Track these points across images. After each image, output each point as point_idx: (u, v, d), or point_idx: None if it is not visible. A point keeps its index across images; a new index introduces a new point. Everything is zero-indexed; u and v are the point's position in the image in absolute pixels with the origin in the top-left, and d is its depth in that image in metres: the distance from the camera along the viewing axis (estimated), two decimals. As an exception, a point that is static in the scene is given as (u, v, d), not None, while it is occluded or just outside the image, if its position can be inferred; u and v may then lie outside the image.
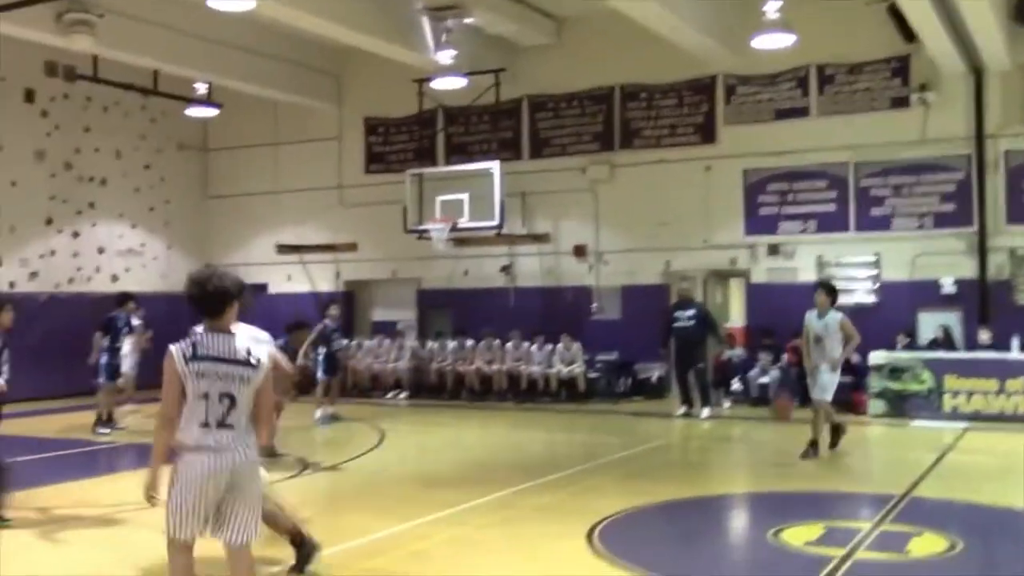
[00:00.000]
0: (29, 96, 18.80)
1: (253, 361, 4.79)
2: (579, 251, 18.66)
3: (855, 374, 15.38)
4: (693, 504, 8.89)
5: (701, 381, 15.49)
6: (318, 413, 14.73)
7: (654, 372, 17.63)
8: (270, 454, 10.54)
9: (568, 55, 18.62)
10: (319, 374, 15.16)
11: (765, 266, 17.32)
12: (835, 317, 10.94)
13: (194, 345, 4.80)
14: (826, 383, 10.92)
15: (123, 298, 14.56)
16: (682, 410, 15.29)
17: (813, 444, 10.98)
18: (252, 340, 4.99)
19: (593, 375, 17.52)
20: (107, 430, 13.70)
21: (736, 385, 16.60)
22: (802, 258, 17.04)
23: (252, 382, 4.76)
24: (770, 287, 17.26)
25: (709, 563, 6.98)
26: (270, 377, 4.83)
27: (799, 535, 7.36)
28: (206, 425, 4.69)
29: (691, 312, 15.44)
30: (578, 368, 17.27)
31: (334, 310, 15.69)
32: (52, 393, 17.02)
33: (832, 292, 11.20)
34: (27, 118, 18.79)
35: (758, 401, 16.05)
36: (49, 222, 19.26)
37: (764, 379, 16.21)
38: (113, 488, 9.79)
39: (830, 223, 16.86)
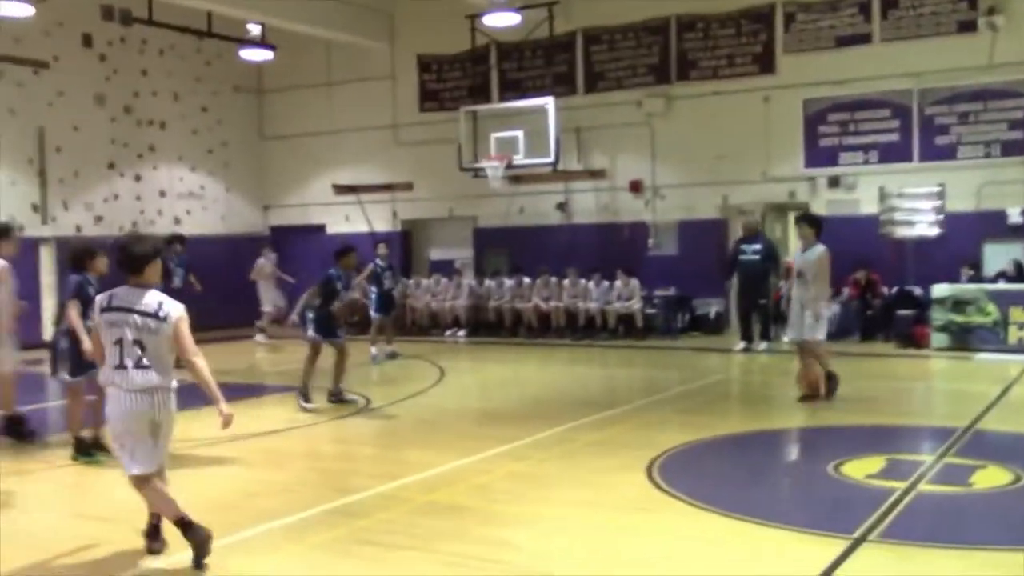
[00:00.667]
0: (87, 41, 19.00)
1: (161, 314, 5.37)
2: (635, 186, 18.50)
3: (917, 307, 15.17)
4: (752, 438, 8.89)
5: (763, 316, 15.38)
6: (373, 351, 14.93)
7: (712, 307, 17.53)
8: (338, 398, 10.77)
9: (623, -14, 18.28)
10: (372, 312, 15.32)
11: (825, 198, 17.02)
12: (816, 251, 10.15)
13: (110, 297, 5.45)
14: (811, 322, 10.14)
15: (172, 239, 14.86)
16: (741, 345, 15.21)
17: (816, 391, 10.35)
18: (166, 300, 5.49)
19: (651, 311, 17.47)
20: None
21: (795, 319, 16.42)
22: (864, 190, 16.71)
23: (160, 332, 5.34)
24: (831, 220, 16.86)
25: (770, 496, 6.99)
26: (181, 330, 5.40)
27: (860, 468, 7.33)
28: (121, 367, 5.32)
29: (757, 246, 15.24)
30: (636, 304, 17.22)
31: (383, 249, 15.68)
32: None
33: (814, 224, 10.39)
34: (86, 63, 19.03)
35: (818, 335, 15.89)
36: (111, 166, 19.59)
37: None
38: (178, 424, 10.01)
39: (893, 153, 16.48)
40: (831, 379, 10.37)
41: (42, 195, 18.43)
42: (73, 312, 8.01)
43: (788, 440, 9.32)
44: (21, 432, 9.29)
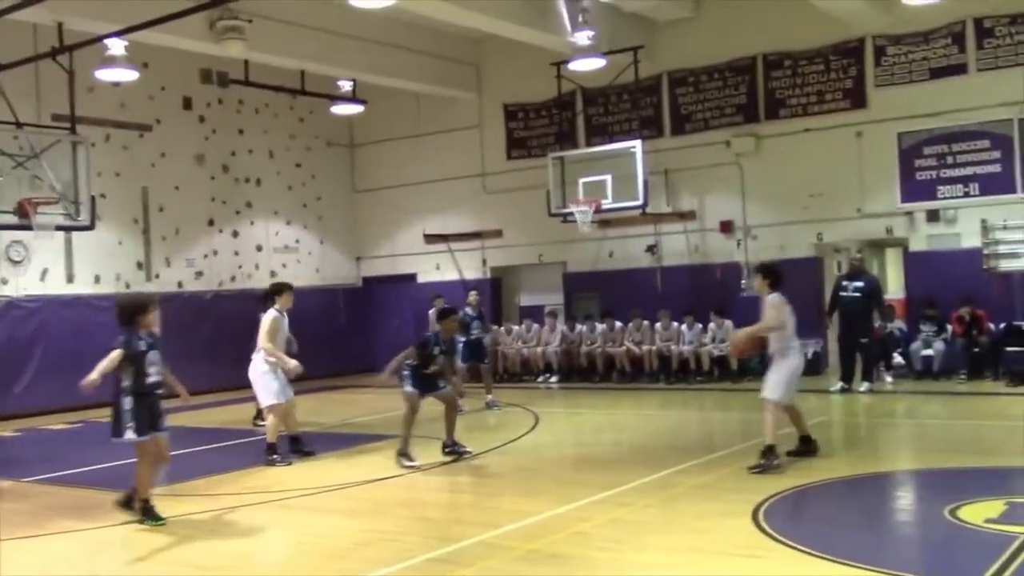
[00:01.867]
0: (187, 103, 19.74)
1: None
2: (726, 227, 18.32)
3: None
4: (861, 481, 8.63)
5: (864, 355, 15.00)
6: (459, 401, 14.76)
7: (809, 347, 17.13)
8: (452, 450, 10.57)
9: (707, 27, 18.28)
10: (459, 362, 15.28)
11: (924, 233, 16.60)
12: (769, 300, 9.31)
13: None
14: (768, 377, 9.36)
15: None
16: (839, 385, 14.84)
17: (804, 440, 9.55)
18: None
19: (746, 353, 17.13)
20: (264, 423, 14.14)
21: (898, 359, 16.01)
22: (965, 223, 16.24)
23: None
24: (931, 255, 16.54)
25: (884, 542, 6.75)
26: None
27: (978, 512, 7.04)
28: None
29: (859, 283, 14.92)
30: (729, 347, 16.93)
31: (473, 297, 15.73)
32: (222, 385, 17.84)
33: (769, 274, 9.44)
34: (186, 125, 19.74)
35: (922, 375, 15.45)
36: (211, 223, 20.21)
37: (927, 352, 15.58)
38: (274, 475, 10.18)
39: (994, 185, 15.99)
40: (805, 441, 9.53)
41: (146, 253, 19.08)
42: (106, 360, 7.75)
43: (900, 483, 9.00)
44: (301, 449, 10.80)
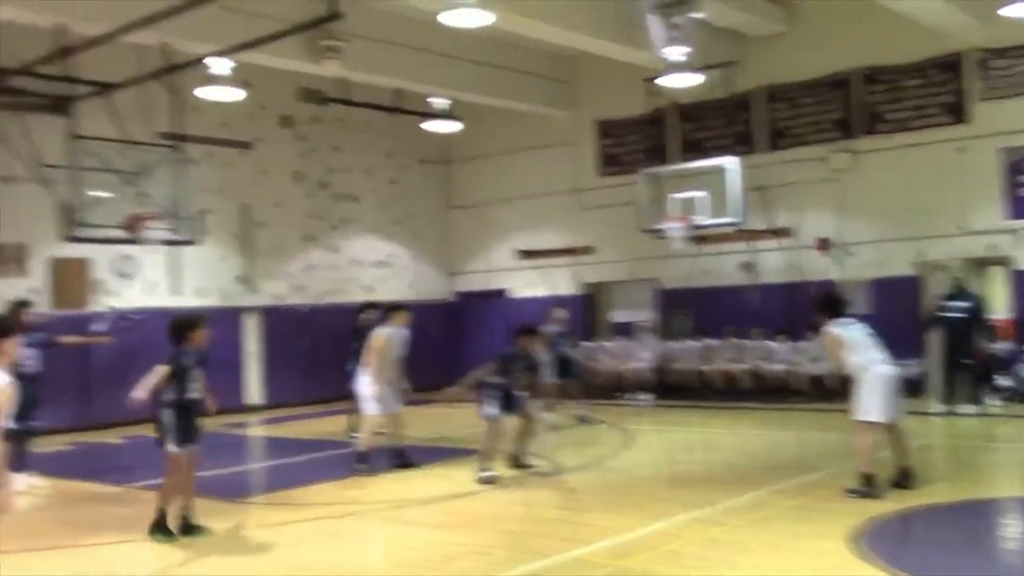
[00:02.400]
0: (286, 122, 20.26)
1: None
2: (823, 244, 17.98)
3: None
4: (964, 507, 8.37)
5: (968, 377, 14.54)
6: (551, 416, 14.81)
7: (910, 368, 16.67)
8: (517, 464, 10.71)
9: (802, 41, 18.01)
10: (550, 378, 15.31)
11: (1032, 250, 16.03)
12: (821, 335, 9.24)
13: None
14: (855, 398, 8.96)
15: (365, 307, 15.31)
16: (941, 408, 14.40)
17: (902, 472, 8.94)
18: None
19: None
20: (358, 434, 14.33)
21: (1003, 381, 15.46)
22: (1076, 240, 15.65)
23: None
24: (1039, 273, 15.96)
25: (988, 569, 6.54)
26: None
27: (1089, 541, 6.77)
28: None
29: (963, 303, 14.49)
30: (826, 366, 16.60)
31: (559, 313, 15.65)
32: (320, 397, 18.20)
33: (819, 307, 9.42)
34: (286, 142, 20.26)
35: (1029, 397, 14.92)
36: (309, 238, 20.67)
37: (1035, 374, 15.03)
38: (367, 487, 10.33)
39: (1108, 201, 15.39)
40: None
41: (246, 268, 19.62)
42: (153, 376, 7.93)
43: (1005, 510, 8.69)
44: (404, 462, 11.08)
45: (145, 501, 8.41)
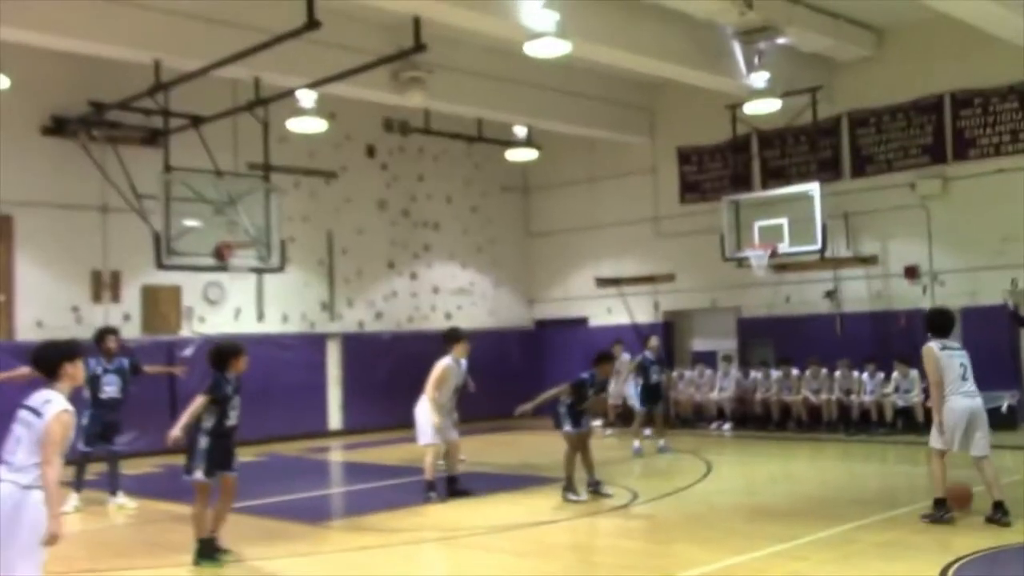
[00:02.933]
0: (370, 151, 20.62)
1: (40, 410, 5.20)
2: (911, 272, 17.56)
3: None
4: (1061, 546, 8.03)
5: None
6: (636, 444, 14.84)
7: (1004, 400, 16.14)
8: (596, 489, 10.78)
9: (889, 66, 17.70)
10: (637, 405, 15.34)
11: None
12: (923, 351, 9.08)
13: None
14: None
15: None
16: (1039, 441, 13.89)
17: (996, 506, 8.75)
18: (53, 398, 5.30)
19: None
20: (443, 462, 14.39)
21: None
22: None
23: (33, 427, 5.15)
24: None
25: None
26: (53, 428, 5.15)
27: None
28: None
29: None
30: (916, 397, 16.17)
31: (654, 342, 15.82)
32: (400, 423, 18.31)
33: (927, 321, 9.45)
34: (369, 171, 20.61)
35: None
36: (391, 265, 20.95)
37: None
38: (446, 513, 10.36)
39: None
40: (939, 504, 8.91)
41: (330, 294, 19.94)
42: (195, 404, 8.06)
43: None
44: (458, 490, 11.06)
45: (230, 521, 8.55)
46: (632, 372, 16.06)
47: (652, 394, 15.32)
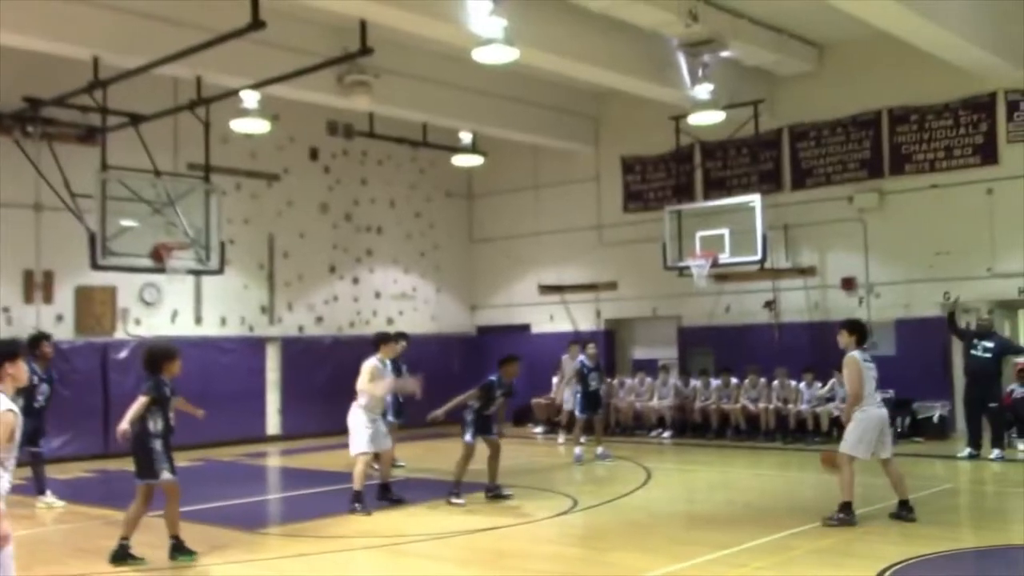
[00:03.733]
0: (314, 154, 20.44)
1: None
2: (848, 284, 17.89)
3: None
4: (990, 554, 8.22)
5: (994, 420, 14.35)
6: (577, 451, 14.89)
7: (935, 411, 16.51)
8: (495, 494, 10.82)
9: (830, 81, 18.03)
10: (577, 412, 15.36)
11: (1062, 294, 15.85)
12: (849, 359, 9.54)
13: None
14: (846, 434, 9.54)
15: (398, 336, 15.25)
16: (967, 451, 14.20)
17: (903, 505, 9.45)
18: None
19: (867, 414, 16.61)
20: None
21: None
22: (1105, 285, 15.48)
23: None
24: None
25: (1015, 618, 6.43)
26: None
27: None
28: None
29: (989, 344, 14.30)
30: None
31: (591, 349, 15.79)
32: (338, 428, 18.15)
33: (856, 330, 9.80)
34: (312, 174, 20.43)
35: (1058, 442, 14.68)
36: (332, 270, 20.76)
37: (1064, 418, 14.79)
38: (385, 521, 10.28)
39: None
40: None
41: (270, 298, 19.70)
42: (136, 405, 8.11)
43: (1031, 557, 8.54)
44: (390, 498, 10.98)
45: (162, 527, 8.40)
46: (571, 379, 16.09)
47: (591, 401, 15.27)
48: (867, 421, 9.28)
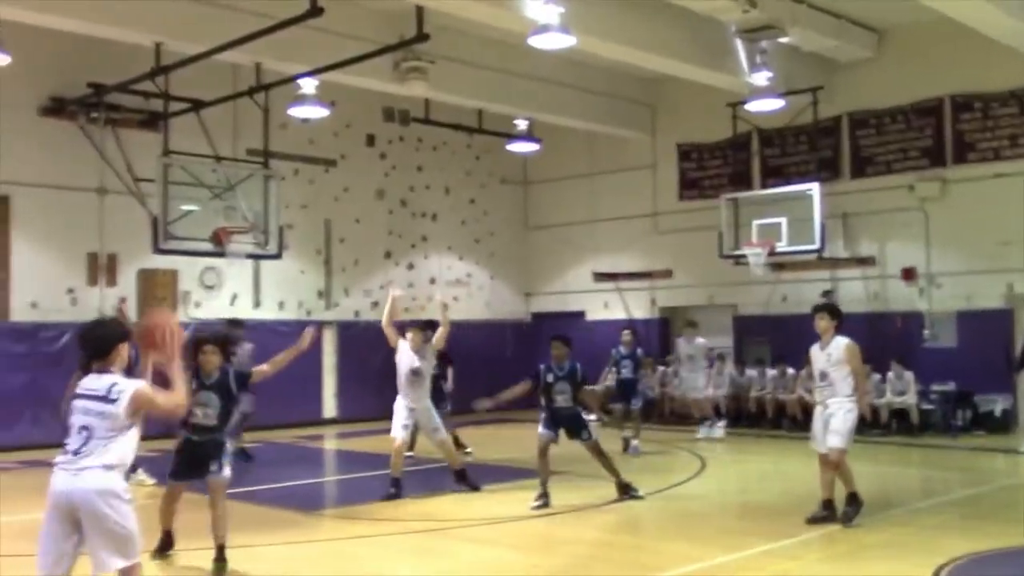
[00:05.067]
0: (370, 140, 20.59)
1: (112, 396, 4.94)
2: (908, 274, 17.58)
3: None
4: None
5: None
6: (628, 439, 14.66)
7: (997, 404, 16.20)
8: (626, 495, 10.51)
9: (891, 67, 17.69)
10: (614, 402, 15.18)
11: None
12: (840, 345, 9.16)
13: (79, 385, 5.07)
14: (838, 426, 8.96)
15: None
16: (1030, 445, 13.93)
17: (827, 504, 9.01)
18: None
19: (927, 406, 16.40)
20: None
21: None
22: None
23: (108, 416, 4.91)
24: None
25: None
26: (146, 402, 4.99)
27: None
28: (65, 452, 4.93)
29: None
30: (910, 399, 16.23)
31: (627, 336, 15.35)
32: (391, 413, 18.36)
33: (837, 315, 9.45)
34: (369, 160, 20.58)
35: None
36: (388, 255, 20.92)
37: None
38: (439, 505, 10.37)
39: None
40: (853, 499, 8.97)
41: (327, 283, 19.92)
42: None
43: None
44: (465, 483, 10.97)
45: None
46: (608, 367, 15.61)
47: (623, 389, 14.92)
48: (856, 412, 9.06)
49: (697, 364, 17.10)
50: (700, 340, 17.20)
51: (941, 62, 17.07)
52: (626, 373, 14.97)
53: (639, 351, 15.32)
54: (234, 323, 14.44)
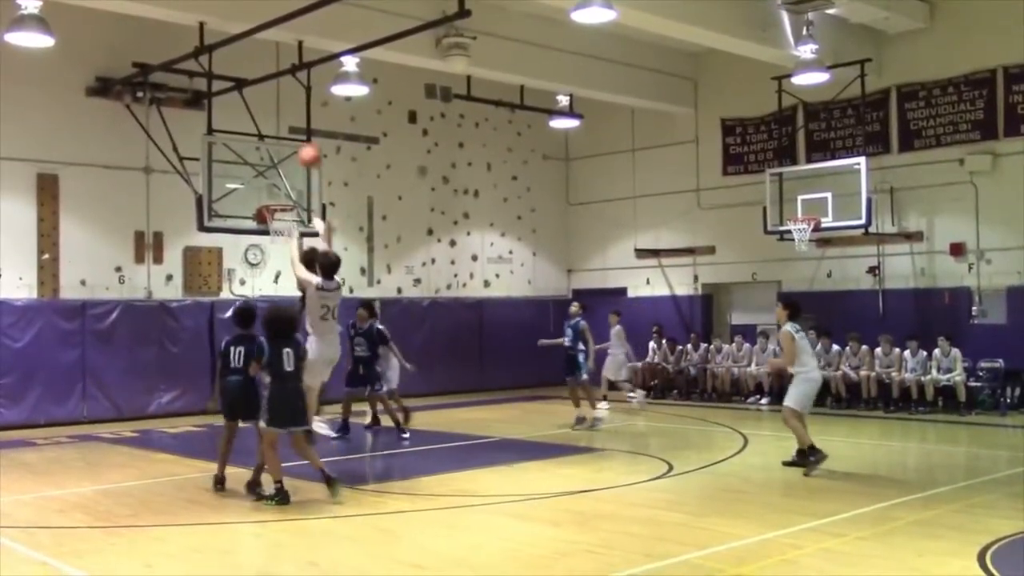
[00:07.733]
0: (412, 117, 20.60)
1: None
2: (957, 249, 17.28)
3: None
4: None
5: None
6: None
7: (1047, 381, 15.91)
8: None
9: (941, 39, 17.35)
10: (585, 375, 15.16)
11: None
12: (783, 333, 10.83)
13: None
14: (789, 391, 10.88)
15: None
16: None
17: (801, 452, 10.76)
18: None
19: (975, 384, 16.15)
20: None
21: None
22: None
23: None
24: None
25: None
26: None
27: None
28: None
29: None
30: (958, 376, 15.99)
31: (573, 308, 15.63)
32: (435, 389, 18.51)
33: (788, 306, 11.03)
34: (411, 137, 20.60)
35: None
36: (430, 232, 20.97)
37: None
38: (480, 480, 10.41)
39: None
40: (811, 451, 10.65)
41: (369, 260, 20.02)
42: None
43: None
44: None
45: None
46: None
47: (567, 362, 14.92)
48: (810, 383, 10.76)
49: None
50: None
51: (994, 33, 16.71)
52: (567, 343, 14.95)
53: (581, 322, 15.11)
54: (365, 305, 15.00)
